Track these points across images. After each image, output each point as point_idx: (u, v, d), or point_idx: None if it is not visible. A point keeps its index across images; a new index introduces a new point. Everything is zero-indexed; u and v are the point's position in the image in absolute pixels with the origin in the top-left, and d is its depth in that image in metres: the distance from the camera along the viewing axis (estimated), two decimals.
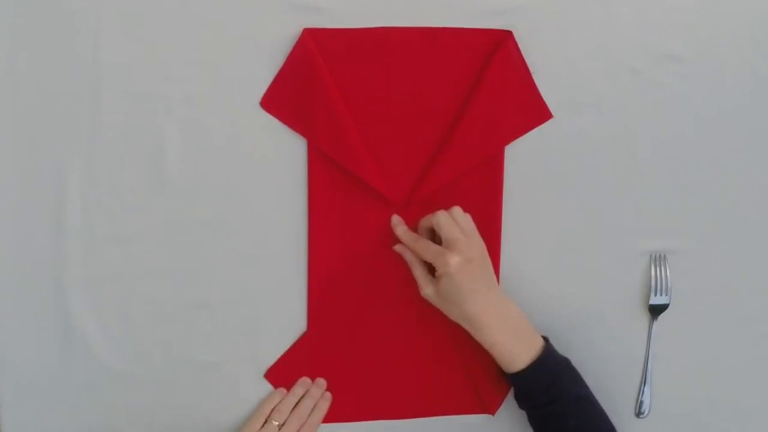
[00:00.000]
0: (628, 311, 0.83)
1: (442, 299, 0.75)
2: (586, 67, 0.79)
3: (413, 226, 0.79)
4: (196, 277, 0.79)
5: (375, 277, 0.80)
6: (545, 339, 0.77)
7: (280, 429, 0.77)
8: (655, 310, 0.83)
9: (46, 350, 0.78)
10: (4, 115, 0.75)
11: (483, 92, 0.77)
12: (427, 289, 0.76)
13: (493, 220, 0.80)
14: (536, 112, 0.79)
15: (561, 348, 0.81)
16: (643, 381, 0.84)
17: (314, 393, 0.80)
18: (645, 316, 0.83)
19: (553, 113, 0.79)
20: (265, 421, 0.78)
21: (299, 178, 0.78)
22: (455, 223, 0.74)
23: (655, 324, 0.83)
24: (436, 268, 0.74)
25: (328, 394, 0.81)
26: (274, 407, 0.79)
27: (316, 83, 0.76)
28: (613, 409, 0.83)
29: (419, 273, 0.77)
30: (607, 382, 0.83)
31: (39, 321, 0.78)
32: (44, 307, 0.78)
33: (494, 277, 0.77)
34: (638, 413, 0.84)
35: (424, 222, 0.77)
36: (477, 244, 0.74)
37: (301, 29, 0.76)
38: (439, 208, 0.78)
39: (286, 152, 0.78)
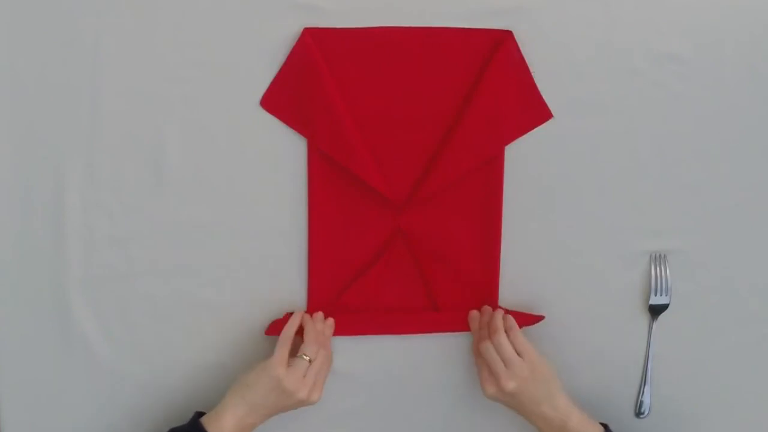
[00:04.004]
0: (628, 311, 0.83)
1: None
2: (586, 67, 0.79)
3: (413, 226, 0.79)
4: (196, 277, 0.79)
5: (375, 277, 0.80)
6: (605, 426, 0.77)
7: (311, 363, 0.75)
8: (655, 310, 0.83)
9: (46, 350, 0.78)
10: (4, 115, 0.75)
11: (483, 92, 0.77)
12: (489, 391, 0.76)
13: (493, 220, 0.80)
14: (536, 112, 0.79)
15: (561, 347, 0.81)
16: (643, 381, 0.84)
17: (321, 327, 0.79)
18: (645, 316, 0.83)
19: (553, 113, 0.79)
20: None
21: (299, 178, 0.78)
22: (496, 354, 0.75)
23: (655, 324, 0.83)
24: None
25: (331, 320, 0.79)
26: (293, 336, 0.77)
27: (316, 83, 0.76)
28: (613, 409, 0.83)
29: (484, 375, 0.77)
30: (607, 382, 0.83)
31: (39, 321, 0.78)
32: (44, 307, 0.78)
33: (550, 387, 0.75)
34: (638, 413, 0.84)
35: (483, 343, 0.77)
36: (515, 375, 0.74)
37: (301, 29, 0.76)
38: (439, 208, 0.79)
39: (286, 152, 0.78)
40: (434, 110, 0.78)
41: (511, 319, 0.77)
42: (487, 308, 0.80)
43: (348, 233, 0.79)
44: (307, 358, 0.75)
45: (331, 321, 0.79)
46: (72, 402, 0.79)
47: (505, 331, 0.76)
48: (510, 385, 0.74)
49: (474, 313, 0.80)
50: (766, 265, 0.84)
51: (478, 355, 0.78)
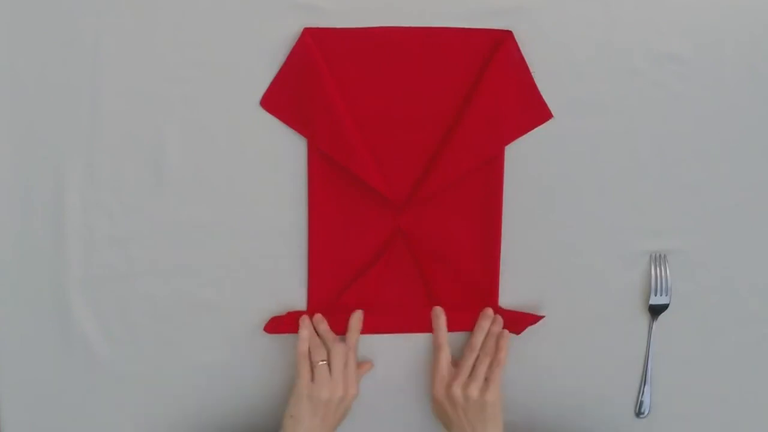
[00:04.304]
0: (628, 311, 0.83)
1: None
2: (586, 67, 0.79)
3: (413, 226, 0.79)
4: (196, 277, 0.79)
5: (375, 277, 0.80)
6: None
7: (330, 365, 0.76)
8: (655, 310, 0.83)
9: (46, 350, 0.78)
10: (4, 115, 0.75)
11: (483, 92, 0.77)
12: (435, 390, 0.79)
13: (493, 220, 0.80)
14: (536, 112, 0.79)
15: (561, 347, 0.81)
16: (643, 381, 0.84)
17: (323, 328, 0.79)
18: (645, 316, 0.83)
19: (553, 113, 0.79)
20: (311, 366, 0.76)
21: (299, 178, 0.78)
22: (473, 360, 0.78)
23: (655, 324, 0.83)
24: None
25: (359, 312, 0.80)
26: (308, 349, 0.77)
27: (316, 83, 0.76)
28: (613, 409, 0.83)
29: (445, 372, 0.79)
30: (607, 382, 0.83)
31: (39, 321, 0.78)
32: (44, 307, 0.78)
33: (496, 425, 0.77)
34: (638, 413, 0.84)
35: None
36: (486, 392, 0.76)
37: (301, 29, 0.76)
38: (439, 208, 0.79)
39: (286, 152, 0.78)
40: (434, 110, 0.78)
41: (505, 339, 0.79)
42: (490, 313, 0.81)
43: (348, 233, 0.79)
44: (323, 361, 0.76)
45: (359, 312, 0.80)
46: (72, 402, 0.79)
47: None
48: (473, 392, 0.75)
49: (437, 310, 0.81)
50: (766, 265, 0.84)
51: (437, 350, 0.79)
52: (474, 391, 0.76)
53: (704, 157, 0.81)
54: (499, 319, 0.80)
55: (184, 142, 0.77)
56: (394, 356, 0.82)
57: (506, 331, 0.79)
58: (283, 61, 0.76)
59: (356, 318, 0.79)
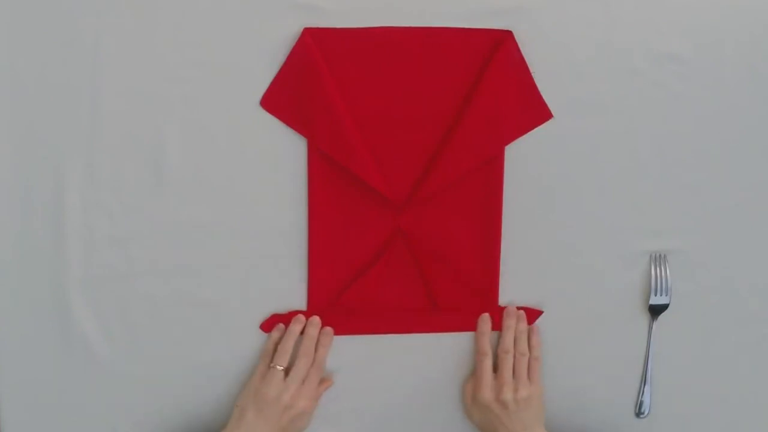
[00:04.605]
0: (628, 311, 0.83)
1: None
2: (586, 67, 0.79)
3: (413, 226, 0.79)
4: (196, 277, 0.79)
5: (375, 277, 0.80)
6: None
7: (287, 374, 0.76)
8: (655, 310, 0.83)
9: (46, 350, 0.78)
10: (4, 115, 0.75)
11: (483, 92, 0.77)
12: (485, 396, 0.78)
13: (493, 220, 0.80)
14: (536, 112, 0.79)
15: (561, 347, 0.81)
16: (643, 381, 0.84)
17: (312, 332, 0.79)
18: (645, 316, 0.83)
19: (553, 113, 0.79)
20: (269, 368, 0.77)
21: (299, 178, 0.78)
22: (510, 362, 0.78)
23: (655, 324, 0.83)
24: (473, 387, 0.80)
25: (328, 329, 0.80)
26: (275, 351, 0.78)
27: (316, 83, 0.76)
28: (613, 409, 0.83)
29: (485, 380, 0.79)
30: (607, 382, 0.83)
31: (39, 321, 0.78)
32: (44, 307, 0.78)
33: (536, 419, 0.78)
34: (638, 413, 0.84)
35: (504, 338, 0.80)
36: (518, 390, 0.77)
37: (301, 29, 0.76)
38: (439, 208, 0.79)
39: (286, 152, 0.78)
40: (434, 110, 0.78)
41: (537, 336, 0.80)
42: (513, 311, 0.81)
43: (348, 233, 0.79)
44: (280, 368, 0.76)
45: (328, 329, 0.80)
46: (72, 402, 0.79)
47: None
48: (523, 393, 0.76)
49: (485, 316, 0.81)
50: (766, 265, 0.84)
51: (483, 356, 0.79)
52: (524, 392, 0.77)
53: (704, 157, 0.82)
54: (523, 315, 0.80)
55: (184, 142, 0.77)
56: (393, 356, 0.82)
57: (535, 326, 0.81)
58: (283, 61, 0.76)
59: (326, 334, 0.79)
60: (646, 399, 0.84)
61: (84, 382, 0.79)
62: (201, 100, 0.76)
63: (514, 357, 0.79)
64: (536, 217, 0.81)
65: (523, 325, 0.80)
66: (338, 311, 0.80)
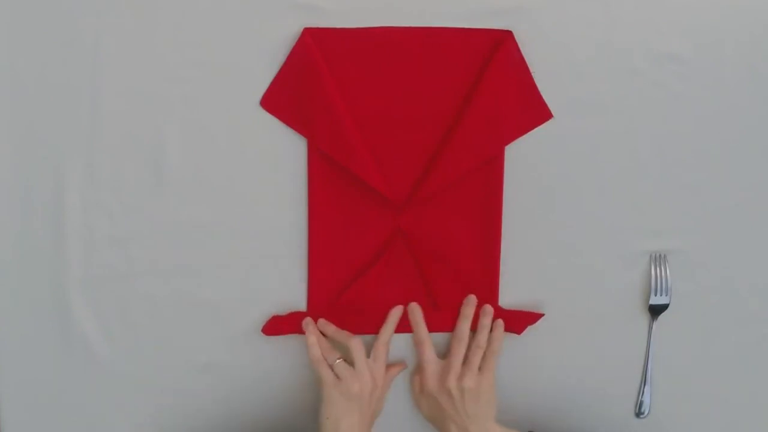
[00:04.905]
0: (628, 311, 0.83)
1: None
2: (586, 67, 0.79)
3: (413, 226, 0.79)
4: (196, 277, 0.79)
5: (375, 277, 0.80)
6: None
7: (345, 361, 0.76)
8: (655, 310, 0.83)
9: (46, 350, 0.78)
10: (4, 115, 0.75)
11: (483, 92, 0.77)
12: (430, 384, 0.78)
13: (493, 220, 0.80)
14: (536, 112, 0.79)
15: (561, 347, 0.81)
16: (643, 381, 0.84)
17: (330, 328, 0.79)
18: (645, 316, 0.83)
19: (553, 113, 0.79)
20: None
21: (299, 178, 0.78)
22: (463, 348, 0.78)
23: (655, 324, 0.83)
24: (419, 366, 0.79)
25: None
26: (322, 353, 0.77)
27: (316, 83, 0.76)
28: (613, 409, 0.83)
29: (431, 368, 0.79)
30: (607, 382, 0.83)
31: (39, 321, 0.78)
32: (44, 307, 0.78)
33: (492, 412, 0.78)
34: (638, 413, 0.84)
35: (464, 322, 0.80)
36: (465, 376, 0.76)
37: (301, 29, 0.76)
38: (439, 208, 0.79)
39: (286, 152, 0.78)
40: (434, 110, 0.78)
41: (499, 329, 0.79)
42: (487, 308, 0.80)
43: (348, 233, 0.79)
44: (339, 360, 0.76)
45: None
46: (72, 402, 0.79)
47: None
48: (468, 382, 0.75)
49: (471, 298, 0.81)
50: (766, 265, 0.84)
51: (420, 345, 0.79)
52: (470, 381, 0.76)
53: (704, 157, 0.81)
54: (489, 309, 0.80)
55: (184, 142, 0.77)
56: (393, 356, 0.81)
57: (500, 321, 0.80)
58: (283, 61, 0.76)
59: (394, 314, 0.79)
60: (646, 399, 0.84)
61: (84, 382, 0.79)
62: (201, 100, 0.76)
63: (469, 348, 0.78)
64: (536, 217, 0.81)
65: (487, 320, 0.80)
66: (338, 311, 0.80)
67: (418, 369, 0.80)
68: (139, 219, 0.77)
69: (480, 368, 0.77)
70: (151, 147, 0.77)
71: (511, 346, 0.80)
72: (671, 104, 0.80)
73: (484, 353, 0.78)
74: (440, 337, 0.81)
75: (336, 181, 0.78)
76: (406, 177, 0.79)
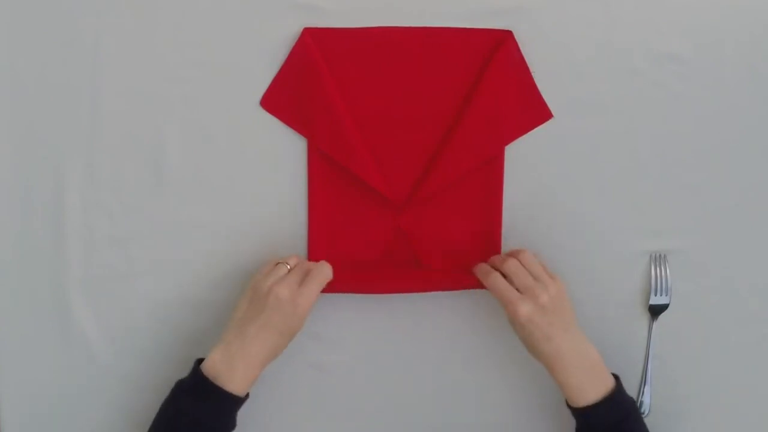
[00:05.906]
0: (628, 311, 0.83)
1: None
2: (586, 67, 0.79)
3: (413, 226, 0.79)
4: (197, 277, 0.79)
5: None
6: (616, 378, 0.75)
7: (289, 271, 0.73)
8: (655, 310, 0.83)
9: (46, 350, 0.78)
10: (4, 115, 0.75)
11: (483, 92, 0.77)
12: (523, 309, 0.72)
13: (493, 220, 0.80)
14: (536, 112, 0.79)
15: None
16: (643, 381, 0.84)
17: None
18: (645, 316, 0.83)
19: (553, 113, 0.79)
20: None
21: (299, 178, 0.78)
22: (524, 269, 0.74)
23: (655, 324, 0.83)
24: (507, 314, 0.73)
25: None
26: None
27: (316, 83, 0.76)
28: None
29: (511, 296, 0.73)
30: None
31: (39, 321, 0.78)
32: (44, 307, 0.78)
33: (571, 316, 0.75)
34: None
35: (495, 262, 0.77)
36: (548, 289, 0.73)
37: (301, 29, 0.76)
38: (439, 208, 0.79)
39: (286, 152, 0.78)
40: (434, 110, 0.78)
41: (519, 251, 0.76)
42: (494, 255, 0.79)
43: (348, 233, 0.79)
44: (288, 266, 0.73)
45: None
46: (72, 402, 0.79)
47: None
48: (544, 297, 0.72)
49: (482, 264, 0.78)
50: (766, 265, 0.84)
51: (495, 283, 0.74)
52: (553, 288, 0.73)
53: (704, 157, 0.82)
54: (494, 257, 0.79)
55: (184, 142, 0.77)
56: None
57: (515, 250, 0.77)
58: (283, 61, 0.76)
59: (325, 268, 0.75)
60: (646, 399, 0.84)
61: (84, 382, 0.79)
62: (201, 100, 0.76)
63: (516, 275, 0.74)
64: (536, 217, 0.81)
65: (501, 256, 0.78)
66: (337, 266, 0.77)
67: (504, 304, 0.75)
68: (139, 219, 0.77)
69: (535, 278, 0.73)
70: (151, 147, 0.77)
71: (512, 345, 0.80)
72: (671, 104, 0.80)
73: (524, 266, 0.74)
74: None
75: (336, 181, 0.78)
76: (406, 177, 0.79)
